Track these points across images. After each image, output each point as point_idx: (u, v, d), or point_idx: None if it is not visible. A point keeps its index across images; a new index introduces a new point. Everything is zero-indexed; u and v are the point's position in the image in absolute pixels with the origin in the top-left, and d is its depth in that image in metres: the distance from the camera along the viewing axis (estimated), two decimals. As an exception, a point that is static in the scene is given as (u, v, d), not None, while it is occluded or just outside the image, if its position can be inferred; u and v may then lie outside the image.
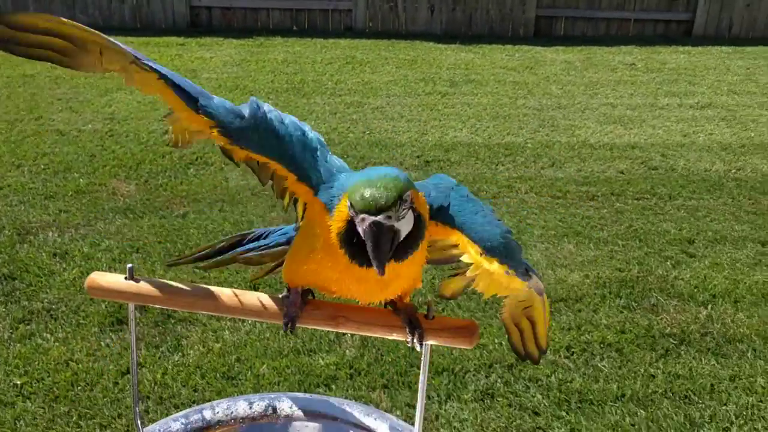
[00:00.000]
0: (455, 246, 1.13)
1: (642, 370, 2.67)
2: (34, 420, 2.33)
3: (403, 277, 1.09)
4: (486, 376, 2.60)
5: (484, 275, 1.12)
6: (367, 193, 0.97)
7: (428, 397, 2.50)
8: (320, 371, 2.59)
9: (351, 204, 0.99)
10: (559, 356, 2.73)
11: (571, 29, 8.36)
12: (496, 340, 2.78)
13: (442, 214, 1.10)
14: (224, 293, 1.18)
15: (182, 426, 1.34)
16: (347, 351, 2.70)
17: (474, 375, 2.61)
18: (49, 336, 2.75)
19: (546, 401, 2.50)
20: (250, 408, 1.40)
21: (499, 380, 2.58)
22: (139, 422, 1.23)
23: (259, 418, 1.39)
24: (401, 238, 1.01)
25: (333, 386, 2.52)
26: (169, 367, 2.60)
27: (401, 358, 2.67)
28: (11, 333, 2.76)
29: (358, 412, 1.40)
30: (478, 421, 2.40)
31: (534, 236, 3.63)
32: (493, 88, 6.20)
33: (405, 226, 1.01)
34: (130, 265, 1.17)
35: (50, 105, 5.45)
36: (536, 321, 1.25)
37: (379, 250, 0.98)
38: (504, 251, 1.07)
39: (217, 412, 1.39)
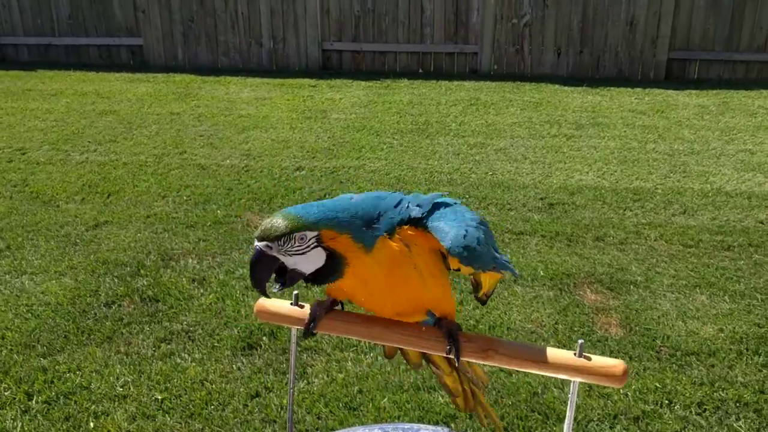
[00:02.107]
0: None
1: (783, 434, 2.49)
2: (172, 434, 2.50)
3: (402, 293, 1.20)
4: (610, 427, 2.52)
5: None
6: (264, 221, 1.12)
7: (549, 444, 2.45)
8: (440, 409, 2.60)
9: None
10: (690, 412, 2.60)
11: (705, 72, 8.05)
12: (621, 391, 2.69)
13: (415, 221, 1.20)
14: (377, 321, 1.24)
15: None
16: (467, 390, 2.70)
17: (597, 425, 2.53)
18: (186, 356, 2.94)
19: (675, 458, 2.39)
20: None
21: (624, 432, 2.50)
22: None
23: None
24: (299, 271, 1.13)
25: (452, 425, 2.53)
26: (295, 393, 2.70)
27: (521, 403, 2.64)
28: (154, 351, 2.97)
29: None
30: (602, 473, 2.33)
31: (663, 285, 3.50)
32: (621, 132, 6.06)
33: (304, 261, 1.12)
34: (295, 292, 1.27)
35: (193, 141, 5.87)
36: (481, 283, 1.39)
37: (252, 273, 1.13)
38: (466, 255, 1.15)
39: None
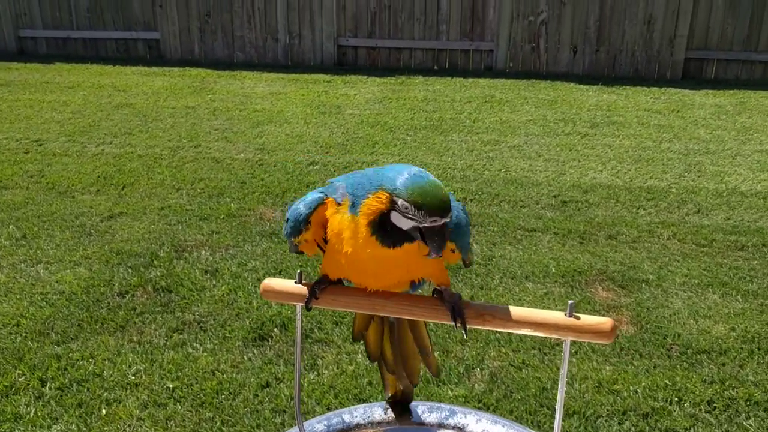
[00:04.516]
0: None
1: (793, 434, 2.48)
2: (183, 422, 2.52)
3: (406, 260, 1.22)
4: (619, 423, 2.52)
5: None
6: (430, 198, 1.11)
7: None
8: (449, 402, 2.61)
9: (414, 205, 1.11)
10: (700, 410, 2.59)
11: (723, 72, 7.99)
12: (630, 387, 2.69)
13: None
14: (377, 293, 1.26)
15: (325, 428, 1.46)
16: (476, 385, 2.71)
17: (606, 421, 2.53)
18: (198, 346, 2.96)
19: (683, 456, 2.38)
20: (385, 413, 1.48)
21: (633, 428, 2.49)
22: (300, 417, 1.33)
23: (393, 422, 1.46)
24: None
25: (460, 418, 2.54)
26: (305, 384, 2.72)
27: (531, 397, 2.64)
28: (166, 340, 3.00)
29: (486, 420, 1.45)
30: (609, 468, 2.33)
31: (675, 284, 3.48)
32: (636, 131, 6.03)
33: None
34: (299, 270, 1.29)
35: (208, 134, 5.91)
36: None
37: (440, 245, 1.14)
38: (455, 230, 1.20)
39: (355, 416, 1.47)
